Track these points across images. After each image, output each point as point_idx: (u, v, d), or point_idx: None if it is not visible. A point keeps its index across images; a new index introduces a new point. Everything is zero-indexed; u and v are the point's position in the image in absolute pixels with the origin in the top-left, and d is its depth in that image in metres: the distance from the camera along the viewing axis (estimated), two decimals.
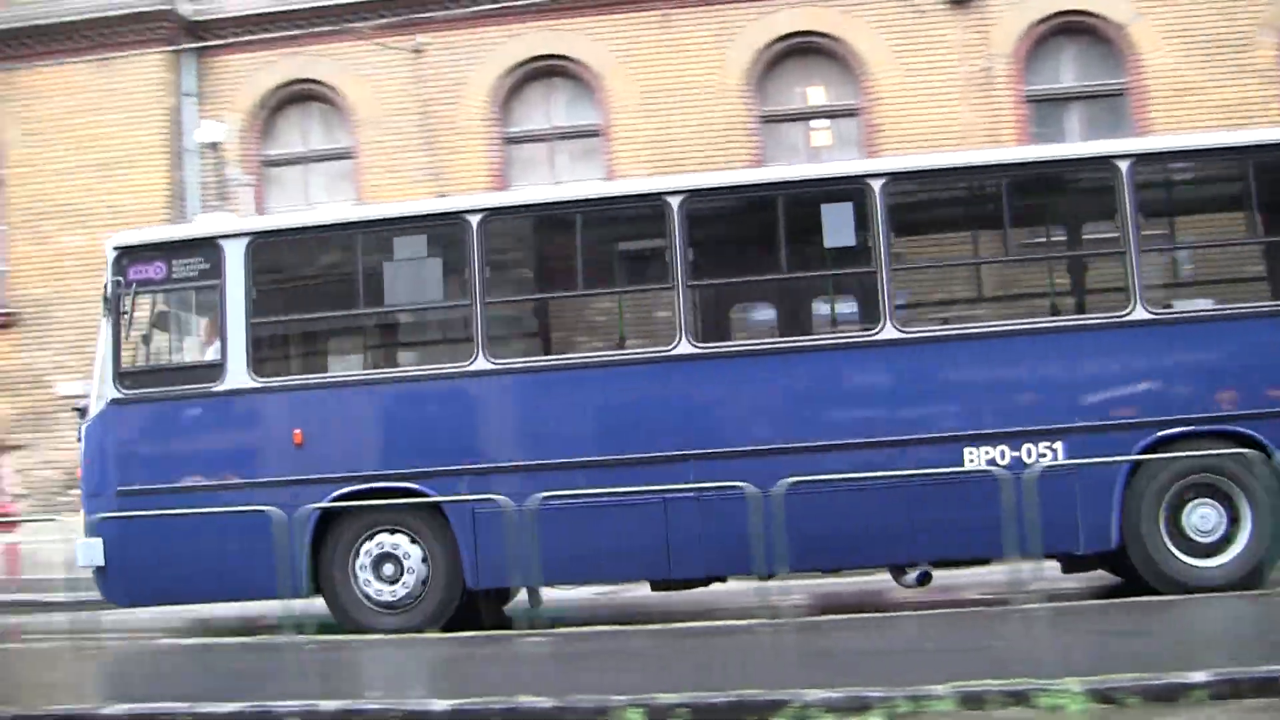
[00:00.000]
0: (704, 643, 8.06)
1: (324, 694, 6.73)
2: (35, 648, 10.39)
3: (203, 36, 16.42)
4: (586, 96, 15.98)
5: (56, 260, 16.13)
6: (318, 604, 9.46)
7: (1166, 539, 8.85)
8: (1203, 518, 8.88)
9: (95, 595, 9.69)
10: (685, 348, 9.14)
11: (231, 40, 16.40)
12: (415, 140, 16.06)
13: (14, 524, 15.14)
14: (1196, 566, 8.85)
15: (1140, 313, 8.86)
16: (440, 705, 6.21)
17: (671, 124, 15.35)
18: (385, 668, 7.85)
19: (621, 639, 8.41)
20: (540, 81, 16.22)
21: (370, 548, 9.40)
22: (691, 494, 8.97)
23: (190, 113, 16.37)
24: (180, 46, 16.37)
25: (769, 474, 8.61)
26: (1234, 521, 8.84)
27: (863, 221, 9.06)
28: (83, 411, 10.04)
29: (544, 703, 6.13)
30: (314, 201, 16.35)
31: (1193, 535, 8.87)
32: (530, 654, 7.99)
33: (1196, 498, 8.88)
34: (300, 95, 16.59)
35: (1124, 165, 9.04)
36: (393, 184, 15.69)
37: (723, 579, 9.52)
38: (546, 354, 10.55)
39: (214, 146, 15.88)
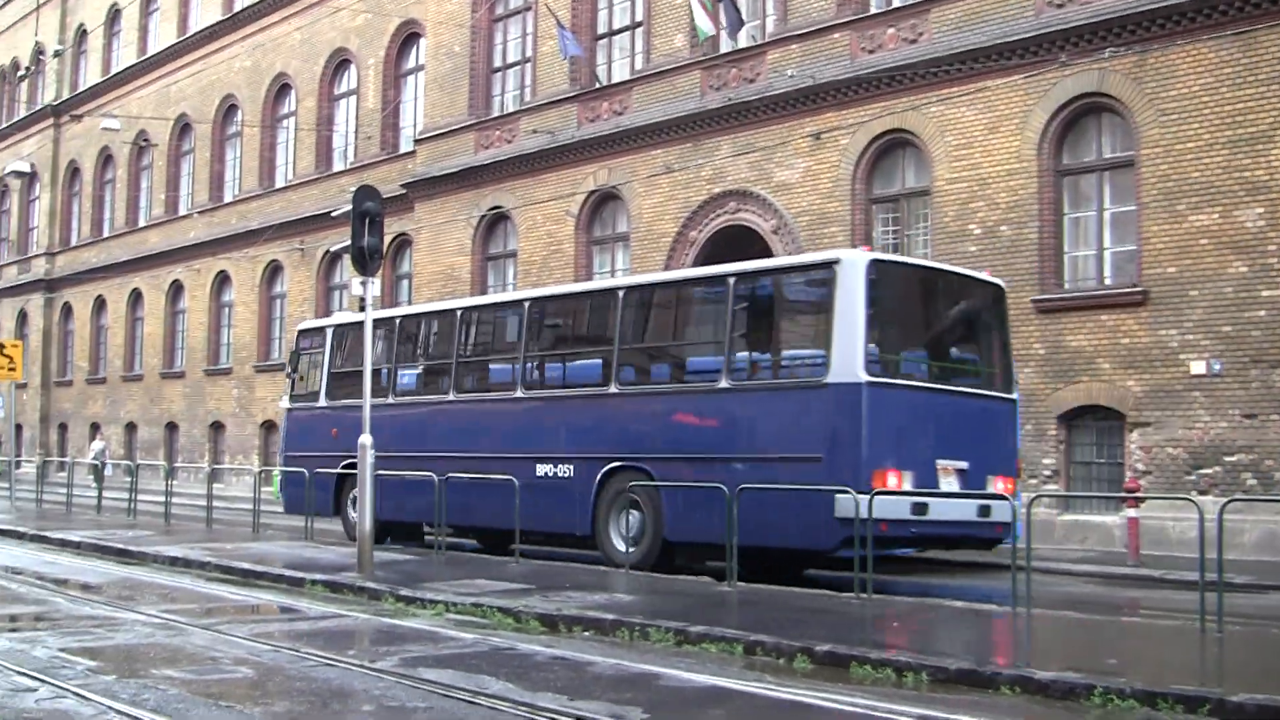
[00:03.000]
0: None
1: None
2: (1155, 624, 12.88)
3: None
4: None
5: (1189, 238, 19.74)
6: None
7: (611, 531, 16.66)
8: (628, 522, 16.41)
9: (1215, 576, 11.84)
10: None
11: None
12: None
13: (1138, 500, 18.68)
14: (624, 551, 16.20)
15: (613, 388, 16.93)
16: None
17: None
18: None
19: None
20: None
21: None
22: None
23: None
24: None
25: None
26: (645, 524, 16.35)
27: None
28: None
29: None
30: None
31: (624, 531, 16.42)
32: None
33: (628, 507, 16.42)
34: None
35: (621, 294, 17.50)
36: None
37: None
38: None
39: None
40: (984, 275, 16.89)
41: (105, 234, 52.30)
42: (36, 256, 56.47)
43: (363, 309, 15.85)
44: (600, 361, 17.44)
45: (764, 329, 16.23)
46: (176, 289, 46.86)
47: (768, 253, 25.15)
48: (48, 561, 17.90)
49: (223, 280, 44.37)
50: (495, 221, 32.55)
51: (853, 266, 14.52)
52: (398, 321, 21.11)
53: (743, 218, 26.34)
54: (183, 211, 47.28)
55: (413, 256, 35.44)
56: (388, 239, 31.45)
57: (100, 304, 51.79)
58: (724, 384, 15.49)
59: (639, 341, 17.45)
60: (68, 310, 54.28)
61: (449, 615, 12.46)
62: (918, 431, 14.77)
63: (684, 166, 27.29)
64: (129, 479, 27.44)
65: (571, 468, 17.23)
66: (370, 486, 15.18)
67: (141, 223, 49.96)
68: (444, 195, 33.61)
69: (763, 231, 25.83)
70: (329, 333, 22.20)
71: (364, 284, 15.53)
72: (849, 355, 14.17)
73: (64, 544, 19.87)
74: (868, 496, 13.37)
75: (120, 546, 18.65)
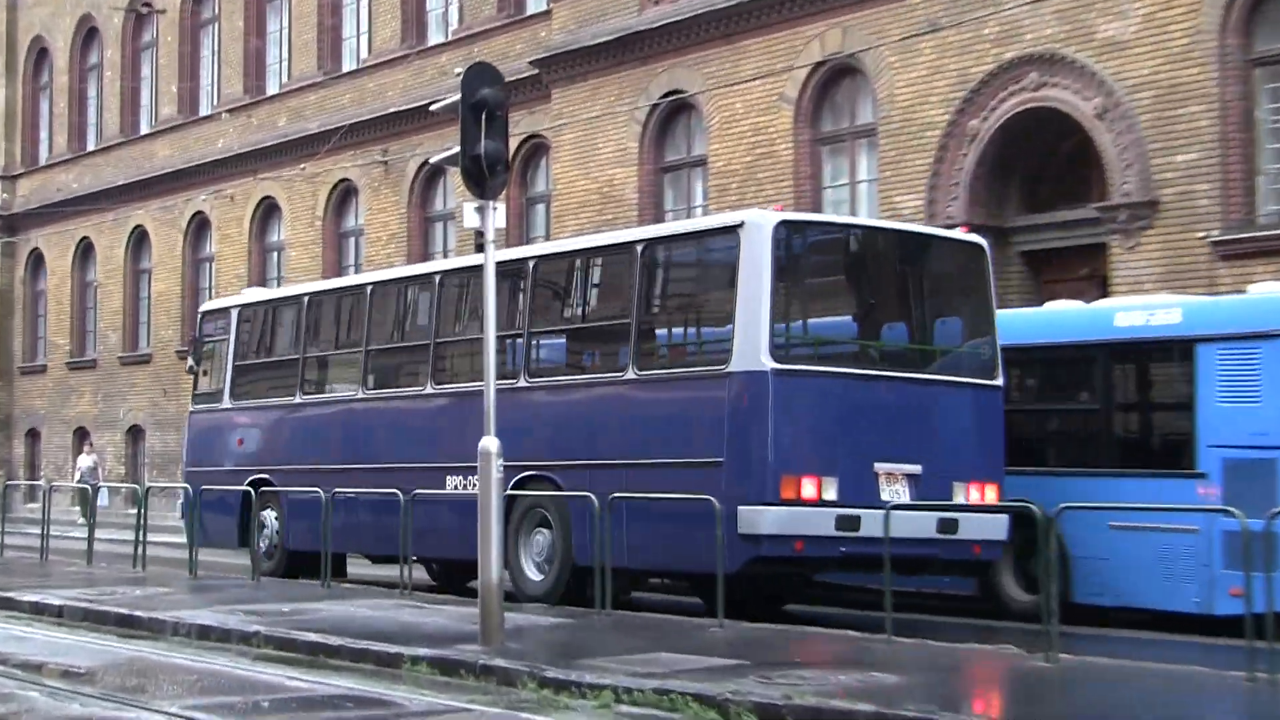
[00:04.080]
0: None
1: None
2: None
3: None
4: None
5: None
6: None
7: (523, 555, 19.80)
8: (538, 543, 19.78)
9: None
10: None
11: None
12: None
13: None
14: (534, 579, 19.68)
15: (522, 381, 20.02)
16: None
17: None
18: None
19: None
20: None
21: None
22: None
23: None
24: None
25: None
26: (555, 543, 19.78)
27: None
28: None
29: None
30: None
31: (535, 557, 19.86)
32: None
33: (539, 525, 19.67)
34: None
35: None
36: None
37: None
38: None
39: None
40: (956, 233, 19.33)
41: (90, 147, 54.25)
42: None
43: (480, 249, 16.21)
44: (510, 349, 20.48)
45: (672, 308, 19.61)
46: (200, 225, 48.35)
47: (1087, 146, 25.18)
48: (16, 636, 18.26)
49: (268, 210, 45.70)
50: (673, 114, 33.06)
51: (757, 231, 17.19)
52: (305, 301, 25.49)
53: (1049, 96, 26.31)
54: (205, 111, 48.71)
55: (550, 170, 36.25)
56: (513, 144, 32.02)
57: (86, 250, 53.62)
58: (630, 375, 18.56)
59: (551, 324, 20.81)
60: (37, 260, 56.37)
61: (620, 707, 12.61)
62: (847, 428, 17.42)
63: (957, 22, 27.29)
64: (134, 509, 28.28)
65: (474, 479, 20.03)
66: (496, 511, 15.57)
67: (144, 129, 51.71)
68: (596, 76, 34.12)
69: (1080, 116, 25.77)
70: (233, 315, 26.55)
71: (481, 211, 15.59)
72: (752, 338, 16.93)
73: (39, 609, 20.29)
74: (774, 509, 16.42)
75: (123, 611, 19.07)
